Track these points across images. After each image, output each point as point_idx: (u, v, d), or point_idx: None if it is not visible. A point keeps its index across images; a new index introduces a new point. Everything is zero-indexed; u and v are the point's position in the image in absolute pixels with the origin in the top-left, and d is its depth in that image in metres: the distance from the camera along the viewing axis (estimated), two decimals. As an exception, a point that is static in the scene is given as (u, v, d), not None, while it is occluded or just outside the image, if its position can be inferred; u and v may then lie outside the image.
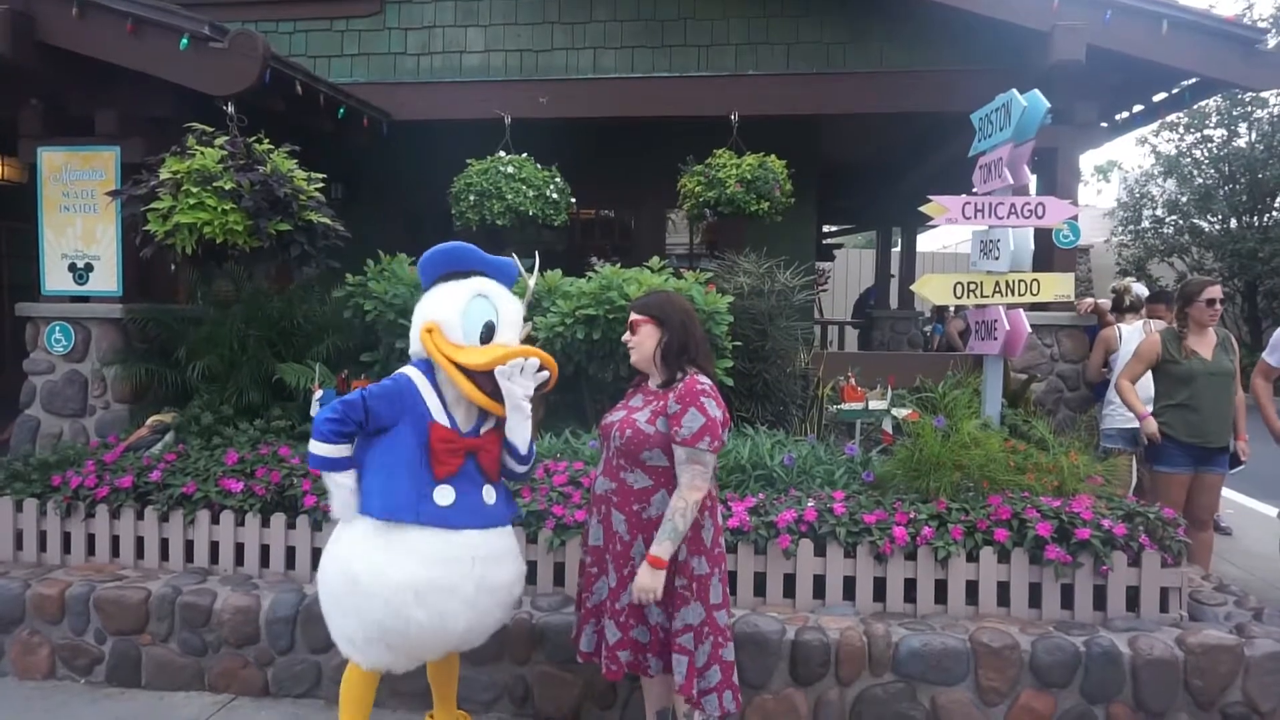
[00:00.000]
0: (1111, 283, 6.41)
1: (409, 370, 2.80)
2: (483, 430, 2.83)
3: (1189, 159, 16.09)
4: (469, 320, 2.79)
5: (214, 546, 3.95)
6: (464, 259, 2.92)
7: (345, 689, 2.90)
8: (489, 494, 2.81)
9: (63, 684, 3.73)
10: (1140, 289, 5.67)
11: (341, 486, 2.71)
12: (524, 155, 5.91)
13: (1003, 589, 3.53)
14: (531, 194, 5.73)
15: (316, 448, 2.69)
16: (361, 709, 2.90)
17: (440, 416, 2.74)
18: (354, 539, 2.70)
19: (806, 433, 4.69)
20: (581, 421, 4.59)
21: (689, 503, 2.55)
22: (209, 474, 3.99)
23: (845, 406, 4.52)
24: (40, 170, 5.08)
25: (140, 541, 4.01)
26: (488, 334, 2.83)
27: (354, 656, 2.78)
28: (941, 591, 3.54)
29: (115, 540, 4.03)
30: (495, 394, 2.76)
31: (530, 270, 4.62)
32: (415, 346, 2.85)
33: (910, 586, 3.55)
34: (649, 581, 2.55)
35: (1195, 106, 12.41)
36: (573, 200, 6.14)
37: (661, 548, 2.55)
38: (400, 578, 2.61)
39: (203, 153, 4.12)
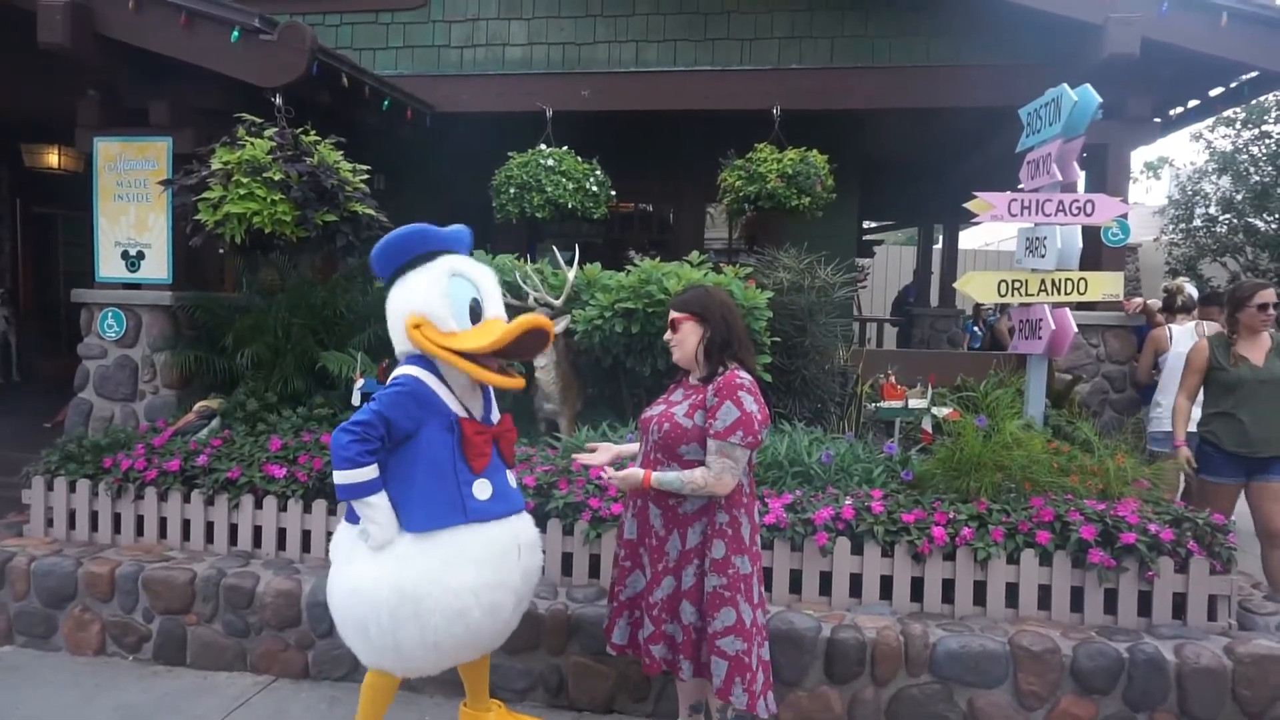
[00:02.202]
0: (1162, 283, 6.26)
1: (411, 370, 2.66)
2: (494, 417, 2.83)
3: (1246, 155, 15.60)
4: (455, 303, 2.67)
5: (257, 531, 4.04)
6: (426, 240, 2.76)
7: (369, 693, 2.84)
8: (510, 479, 2.82)
9: (112, 660, 3.84)
10: (1192, 289, 5.53)
11: (378, 509, 2.56)
12: (564, 148, 5.92)
13: (1043, 592, 3.47)
14: (571, 187, 5.74)
15: (346, 476, 2.51)
16: (382, 710, 2.89)
17: (462, 410, 2.68)
18: (396, 555, 2.59)
19: (845, 430, 4.65)
20: (619, 415, 4.60)
21: (702, 484, 2.54)
22: (253, 459, 4.08)
23: (884, 404, 4.48)
24: (96, 160, 5.21)
25: (186, 524, 4.11)
26: (476, 311, 2.72)
27: (393, 668, 2.70)
28: (980, 593, 3.50)
29: (163, 522, 4.14)
30: (504, 371, 2.73)
31: (570, 263, 4.69)
32: (403, 345, 2.73)
33: (948, 587, 3.51)
34: (627, 481, 2.60)
35: (1254, 101, 12.02)
36: (612, 193, 6.14)
37: (659, 478, 2.57)
38: (459, 582, 2.58)
39: (252, 144, 4.20)
